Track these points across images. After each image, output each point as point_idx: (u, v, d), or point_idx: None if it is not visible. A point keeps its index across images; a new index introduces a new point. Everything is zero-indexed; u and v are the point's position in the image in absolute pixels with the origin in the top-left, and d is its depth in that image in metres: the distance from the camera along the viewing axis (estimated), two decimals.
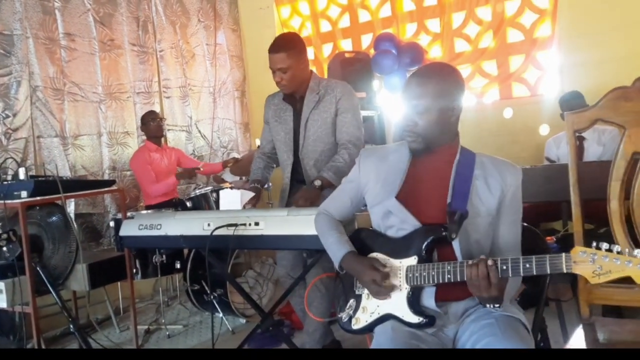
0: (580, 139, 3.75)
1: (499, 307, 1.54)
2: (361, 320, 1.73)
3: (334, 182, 2.53)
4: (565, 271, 1.41)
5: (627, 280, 1.73)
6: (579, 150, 3.67)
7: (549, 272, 1.44)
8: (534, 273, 1.45)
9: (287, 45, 2.62)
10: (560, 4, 4.38)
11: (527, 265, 1.46)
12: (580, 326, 1.78)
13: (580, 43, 4.29)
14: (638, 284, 1.35)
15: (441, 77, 1.65)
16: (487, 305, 1.54)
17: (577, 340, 1.72)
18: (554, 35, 4.47)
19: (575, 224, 1.78)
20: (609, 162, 1.73)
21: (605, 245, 1.37)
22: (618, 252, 1.36)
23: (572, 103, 3.66)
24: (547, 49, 4.55)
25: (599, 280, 1.38)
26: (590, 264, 1.38)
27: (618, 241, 1.70)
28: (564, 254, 1.42)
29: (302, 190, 2.62)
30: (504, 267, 1.48)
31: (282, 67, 2.60)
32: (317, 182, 2.56)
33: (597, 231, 2.43)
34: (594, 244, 1.39)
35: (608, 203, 1.71)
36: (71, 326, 2.66)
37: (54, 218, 3.04)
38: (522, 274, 1.48)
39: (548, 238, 2.46)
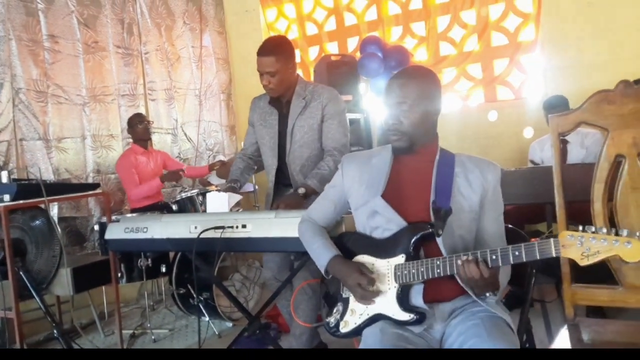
0: (564, 142, 3.79)
1: (495, 294, 1.57)
2: (350, 323, 1.73)
3: (318, 190, 2.53)
4: (554, 255, 1.44)
5: (610, 281, 1.76)
6: (563, 153, 3.71)
7: (538, 257, 1.46)
8: (524, 260, 1.48)
9: (276, 49, 2.61)
10: (543, 8, 4.43)
11: (517, 253, 1.49)
12: (565, 326, 1.80)
13: (563, 47, 4.35)
14: (626, 261, 1.38)
15: (423, 79, 1.72)
16: (487, 294, 1.57)
17: (562, 340, 1.74)
18: (538, 39, 4.52)
19: (559, 226, 1.80)
20: (592, 165, 1.76)
21: (591, 228, 1.41)
22: (604, 233, 1.39)
23: (556, 108, 3.70)
24: (530, 53, 4.61)
25: (587, 261, 1.40)
26: (578, 246, 1.41)
27: None
28: (552, 239, 1.45)
29: (285, 196, 2.63)
30: (494, 257, 1.51)
31: (270, 71, 2.59)
32: (301, 190, 2.56)
33: None
34: (581, 227, 1.42)
35: (592, 205, 1.74)
36: (55, 331, 2.63)
37: (37, 222, 3.01)
38: (512, 262, 1.50)
39: (533, 239, 2.48)
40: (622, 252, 1.37)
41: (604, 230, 1.39)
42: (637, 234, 1.37)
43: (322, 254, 1.82)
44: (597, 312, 2.87)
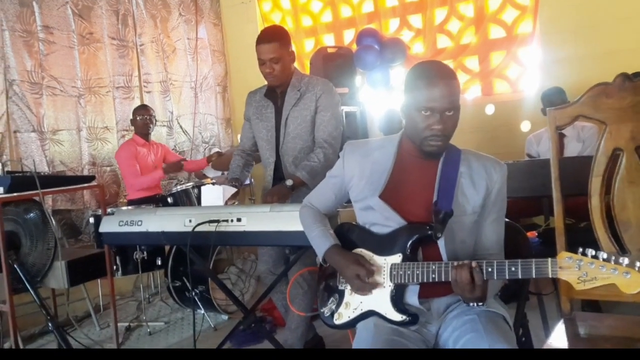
0: (561, 136, 3.78)
1: (482, 305, 1.54)
2: (343, 315, 1.73)
3: (306, 182, 2.53)
4: (550, 276, 1.41)
5: None
6: (560, 146, 3.71)
7: (534, 276, 1.43)
8: (520, 277, 1.45)
9: (278, 36, 2.62)
10: (540, 0, 4.41)
11: (513, 269, 1.45)
12: (562, 321, 1.80)
13: (560, 39, 4.33)
14: (623, 292, 1.34)
15: (456, 77, 1.66)
16: (471, 304, 1.54)
17: (558, 334, 1.73)
18: (535, 31, 4.50)
19: (556, 220, 1.79)
20: (590, 158, 1.74)
21: (591, 252, 1.37)
22: (604, 259, 1.35)
23: (554, 99, 3.70)
24: (528, 46, 4.59)
25: (584, 286, 1.37)
26: (575, 270, 1.37)
27: (599, 236, 1.71)
28: (550, 259, 1.41)
29: (272, 189, 2.63)
30: (489, 270, 1.48)
31: (273, 57, 2.59)
32: (289, 182, 2.56)
33: (578, 226, 2.45)
34: (580, 249, 1.38)
35: (589, 199, 1.72)
36: (50, 324, 2.62)
37: (31, 214, 2.99)
38: (507, 277, 1.47)
39: (530, 233, 2.48)
40: (619, 282, 1.33)
41: (605, 255, 1.35)
42: (638, 264, 1.33)
43: (321, 242, 1.79)
44: (592, 305, 2.88)
